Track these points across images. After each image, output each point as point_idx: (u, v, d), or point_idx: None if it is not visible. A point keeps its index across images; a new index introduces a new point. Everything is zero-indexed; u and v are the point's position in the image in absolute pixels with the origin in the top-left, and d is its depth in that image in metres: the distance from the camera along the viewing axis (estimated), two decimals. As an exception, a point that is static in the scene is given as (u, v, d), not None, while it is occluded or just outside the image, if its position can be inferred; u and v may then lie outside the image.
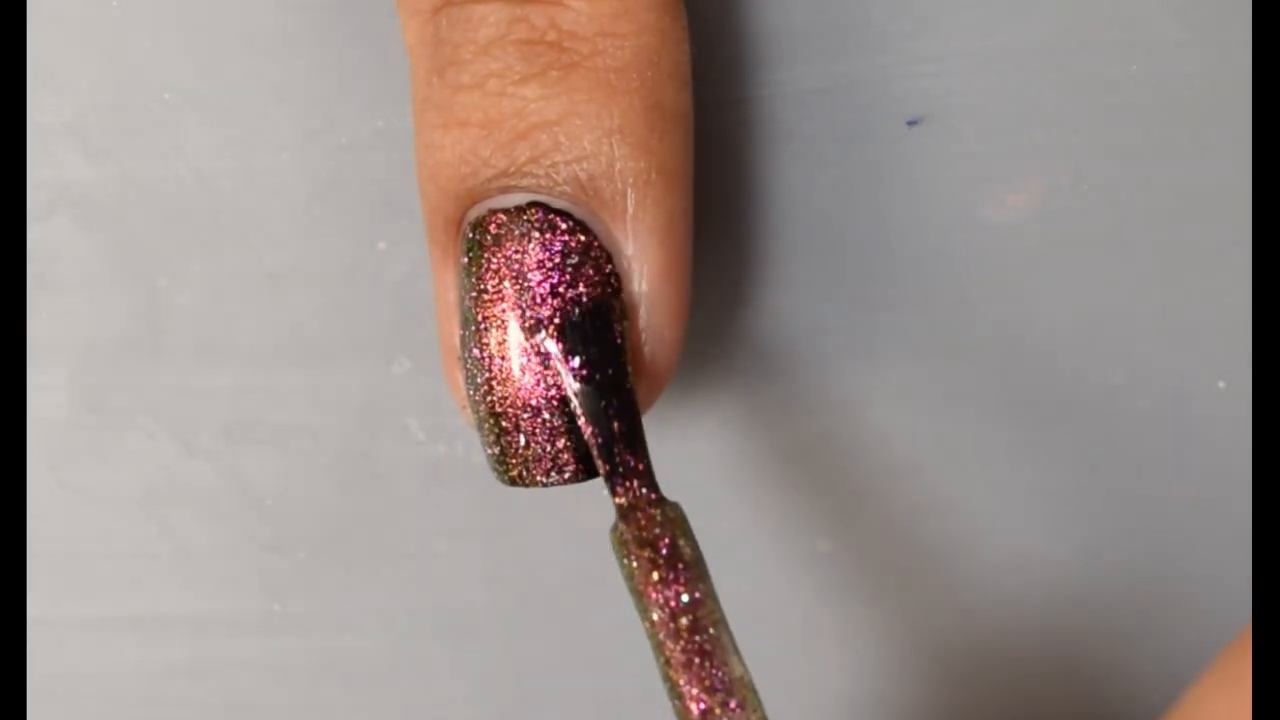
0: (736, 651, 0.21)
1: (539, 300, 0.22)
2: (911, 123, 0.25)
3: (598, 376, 0.22)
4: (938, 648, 0.27)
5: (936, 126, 0.25)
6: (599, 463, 0.22)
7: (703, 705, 0.21)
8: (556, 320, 0.22)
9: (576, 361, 0.22)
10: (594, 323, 0.22)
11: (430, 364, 0.26)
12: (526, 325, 0.22)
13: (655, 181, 0.22)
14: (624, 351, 0.22)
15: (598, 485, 0.27)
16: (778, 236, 0.26)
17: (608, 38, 0.21)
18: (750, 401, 0.26)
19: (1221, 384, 0.26)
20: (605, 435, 0.22)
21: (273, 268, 0.26)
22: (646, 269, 0.22)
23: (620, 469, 0.22)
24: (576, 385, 0.22)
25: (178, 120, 0.26)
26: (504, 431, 0.22)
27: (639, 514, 0.22)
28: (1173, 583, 0.26)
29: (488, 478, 0.27)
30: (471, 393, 0.22)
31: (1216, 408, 0.26)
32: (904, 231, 0.26)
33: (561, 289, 0.22)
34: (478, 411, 0.22)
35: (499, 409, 0.22)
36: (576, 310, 0.22)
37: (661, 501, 0.22)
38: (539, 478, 0.22)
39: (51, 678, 0.27)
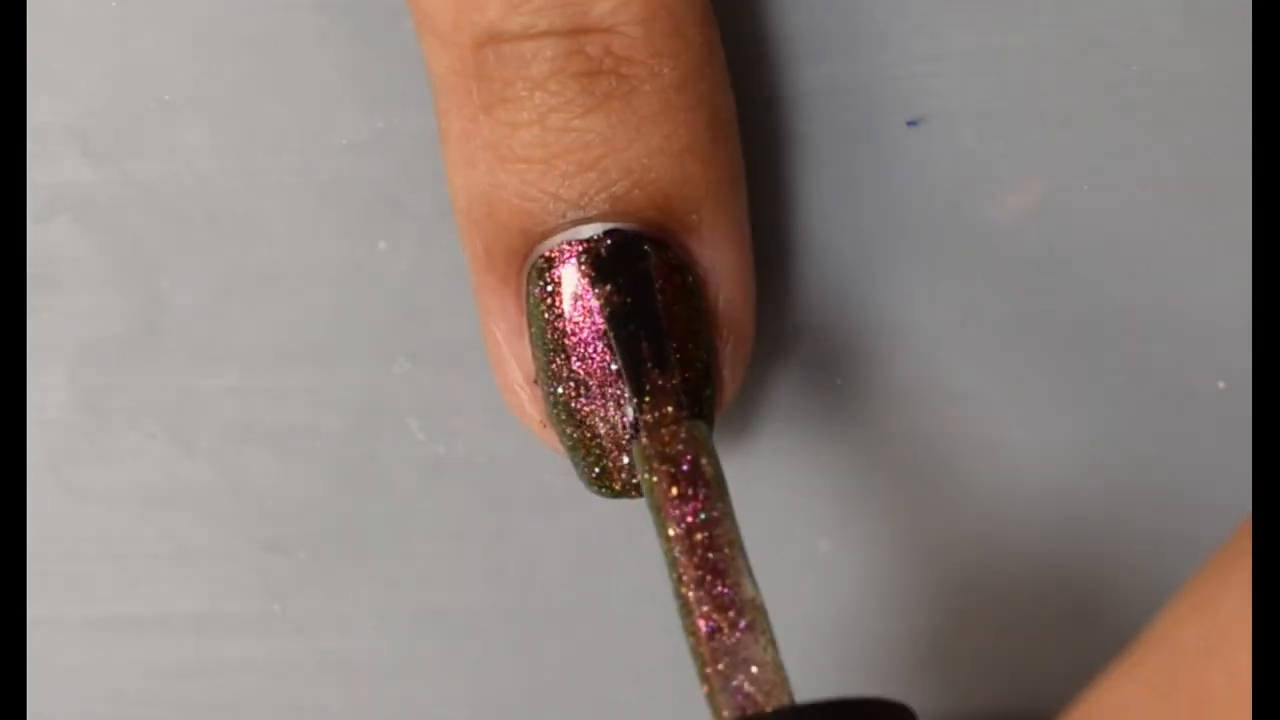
0: (750, 574, 0.22)
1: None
2: (911, 123, 0.25)
3: (627, 301, 0.22)
4: (936, 648, 0.27)
5: (936, 126, 0.25)
6: (627, 384, 0.22)
7: (712, 623, 0.21)
8: (584, 258, 0.22)
9: (605, 290, 0.22)
10: (621, 253, 0.22)
11: (430, 364, 0.26)
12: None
13: (722, 192, 0.22)
14: (651, 279, 0.22)
15: (598, 485, 0.27)
16: (778, 236, 0.26)
17: (662, 58, 0.22)
18: (749, 401, 0.26)
19: (1221, 384, 0.26)
20: (634, 357, 0.22)
21: (273, 268, 0.26)
22: (724, 274, 0.23)
23: (647, 387, 0.22)
24: (605, 312, 0.22)
25: (178, 120, 0.26)
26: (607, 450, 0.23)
27: (662, 430, 0.22)
28: (1172, 584, 0.26)
29: (488, 478, 0.27)
30: (565, 418, 0.23)
31: (1216, 408, 0.26)
32: (904, 231, 0.25)
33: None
34: (575, 435, 0.23)
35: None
36: (605, 245, 0.22)
37: (685, 419, 0.22)
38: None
39: (51, 678, 0.27)
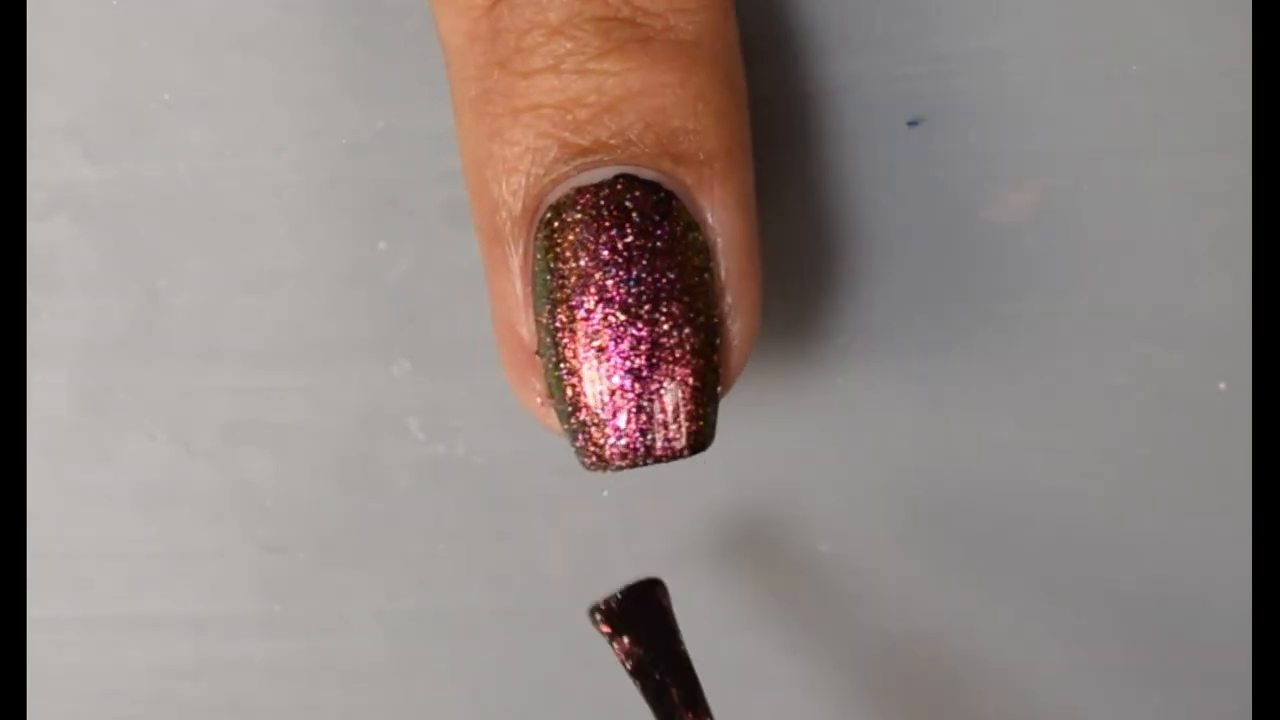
0: None
1: (634, 276, 0.21)
2: (911, 123, 0.25)
3: (648, 654, 0.23)
4: (936, 648, 0.27)
5: (936, 126, 0.25)
6: None
7: None
8: (601, 607, 0.23)
9: (624, 643, 0.22)
10: (637, 600, 0.23)
11: (430, 364, 0.26)
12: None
13: (735, 153, 0.22)
14: (670, 622, 0.23)
15: (598, 487, 0.27)
16: (778, 236, 0.26)
17: (679, 13, 0.21)
18: (750, 401, 0.26)
19: (1222, 384, 0.26)
20: (666, 709, 0.23)
21: (273, 268, 0.26)
22: (730, 239, 0.22)
23: None
24: (629, 665, 0.23)
25: (178, 120, 0.26)
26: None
27: None
28: (1172, 583, 0.26)
29: (488, 478, 0.27)
30: (565, 376, 0.22)
31: (1216, 408, 0.26)
32: (904, 231, 0.26)
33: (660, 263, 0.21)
34: (571, 395, 0.22)
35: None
36: (616, 599, 0.22)
37: None
38: (642, 457, 0.22)
39: (51, 678, 0.27)
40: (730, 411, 0.26)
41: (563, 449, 0.26)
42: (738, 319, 0.22)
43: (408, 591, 0.27)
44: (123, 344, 0.26)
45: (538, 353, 0.22)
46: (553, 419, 0.23)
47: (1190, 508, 0.26)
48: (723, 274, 0.22)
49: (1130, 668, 0.27)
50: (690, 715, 0.22)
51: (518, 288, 0.22)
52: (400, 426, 0.26)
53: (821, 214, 0.26)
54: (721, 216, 0.22)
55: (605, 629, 0.23)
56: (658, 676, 0.23)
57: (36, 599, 0.27)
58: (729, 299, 0.22)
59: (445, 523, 0.27)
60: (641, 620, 0.23)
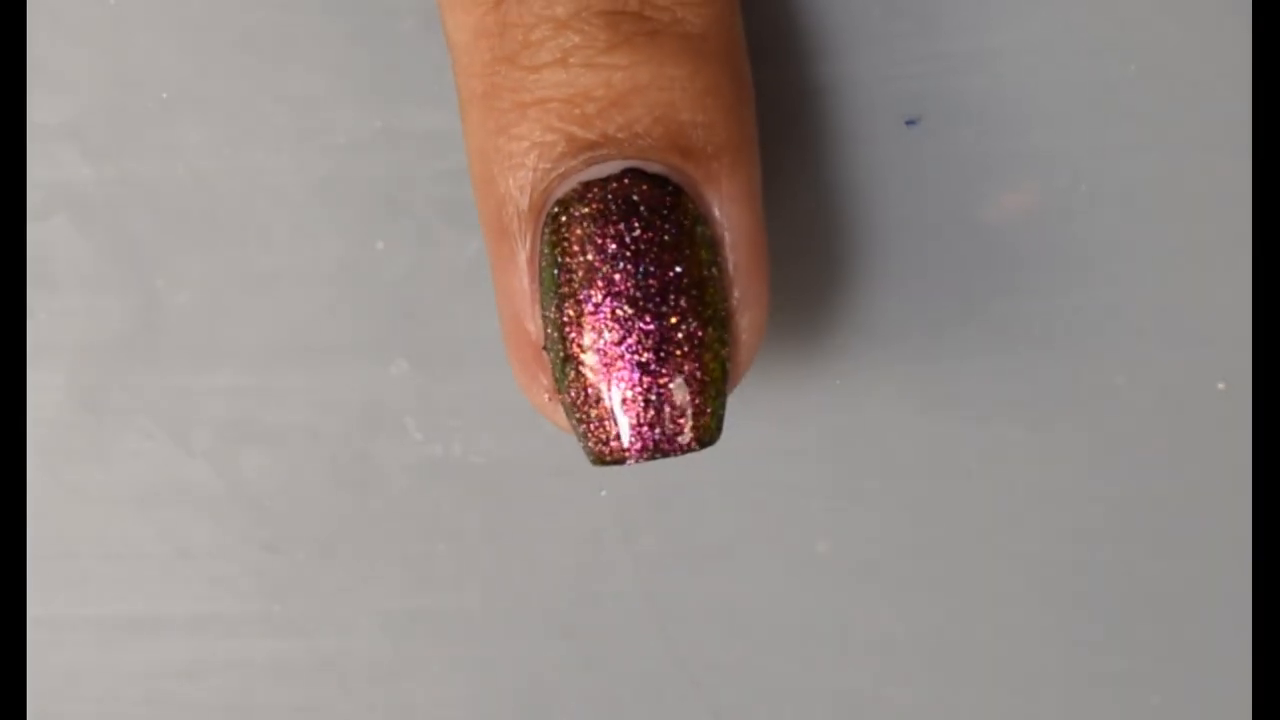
0: None
1: (642, 270, 0.21)
2: (911, 123, 0.25)
3: None
4: (936, 648, 0.27)
5: (936, 126, 0.25)
6: None
7: None
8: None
9: None
10: None
11: (428, 364, 0.26)
12: None
13: (742, 148, 0.22)
14: None
15: (597, 486, 0.27)
16: (776, 236, 0.25)
17: (686, 6, 0.21)
18: (749, 401, 0.26)
19: (1221, 384, 0.26)
20: None
21: (272, 268, 0.26)
22: (738, 234, 0.22)
23: None
24: None
25: (177, 120, 0.26)
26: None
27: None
28: (1173, 584, 0.26)
29: (485, 478, 0.27)
30: (572, 371, 0.22)
31: (1216, 408, 0.26)
32: (903, 231, 0.25)
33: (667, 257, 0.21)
34: (581, 395, 0.22)
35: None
36: None
37: None
38: (649, 452, 0.22)
39: (51, 678, 0.27)
40: (730, 411, 0.26)
41: (562, 449, 0.26)
42: (746, 313, 0.22)
43: (408, 591, 0.27)
44: (122, 344, 0.26)
45: (545, 348, 0.22)
46: (559, 415, 0.22)
47: (1190, 508, 0.26)
48: (730, 268, 0.22)
49: (1129, 668, 0.27)
50: None
51: (525, 283, 0.22)
52: (398, 426, 0.26)
53: (818, 213, 0.26)
54: (729, 210, 0.22)
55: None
56: None
57: (36, 599, 0.27)
58: (737, 293, 0.22)
59: (444, 523, 0.27)
60: None
